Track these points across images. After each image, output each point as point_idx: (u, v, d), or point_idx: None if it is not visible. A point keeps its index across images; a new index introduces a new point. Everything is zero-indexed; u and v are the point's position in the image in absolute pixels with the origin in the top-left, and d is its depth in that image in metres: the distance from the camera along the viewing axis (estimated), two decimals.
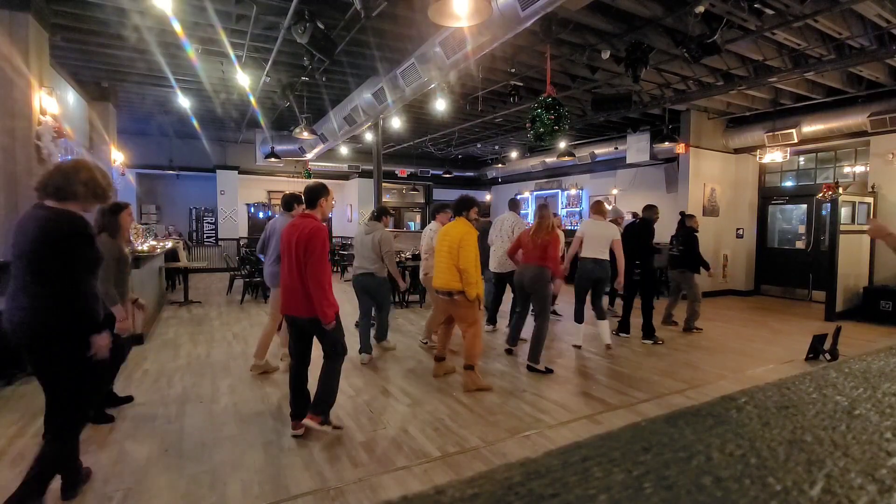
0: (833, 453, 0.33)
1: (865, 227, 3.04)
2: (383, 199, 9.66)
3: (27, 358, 2.21)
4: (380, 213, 5.18)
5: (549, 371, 4.48)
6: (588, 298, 5.33)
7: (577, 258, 5.39)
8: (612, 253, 5.21)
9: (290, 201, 4.55)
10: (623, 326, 5.86)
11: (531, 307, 4.87)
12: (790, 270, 9.23)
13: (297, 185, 14.85)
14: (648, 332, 5.62)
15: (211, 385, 4.08)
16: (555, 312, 7.00)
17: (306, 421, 3.06)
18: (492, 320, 6.24)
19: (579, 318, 5.35)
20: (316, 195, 3.20)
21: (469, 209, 4.12)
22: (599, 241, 5.16)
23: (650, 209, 5.90)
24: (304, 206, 3.43)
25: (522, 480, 0.30)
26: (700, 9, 4.67)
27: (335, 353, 3.17)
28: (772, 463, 0.32)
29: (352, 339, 5.46)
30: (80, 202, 2.26)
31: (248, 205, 14.37)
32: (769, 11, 4.86)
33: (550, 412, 3.56)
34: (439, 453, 2.91)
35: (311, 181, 3.47)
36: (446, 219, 5.14)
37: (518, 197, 8.40)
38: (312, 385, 3.19)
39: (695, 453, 0.34)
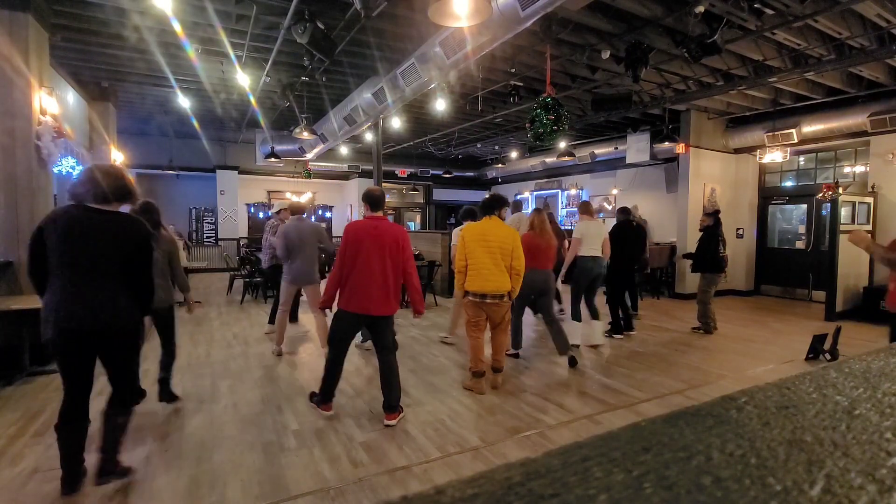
0: (833, 453, 0.33)
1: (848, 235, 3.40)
2: None
3: (105, 346, 2.38)
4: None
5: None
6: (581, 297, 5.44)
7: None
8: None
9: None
10: (628, 325, 6.02)
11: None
12: (790, 270, 9.22)
13: (298, 185, 14.89)
14: (624, 325, 5.96)
15: (211, 385, 4.08)
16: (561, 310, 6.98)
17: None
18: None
19: (577, 316, 5.36)
20: None
21: (503, 207, 4.15)
22: (595, 239, 5.30)
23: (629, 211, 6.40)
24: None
25: (522, 480, 0.30)
26: (700, 9, 4.67)
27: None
28: (772, 463, 0.32)
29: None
30: (128, 203, 2.55)
31: (248, 205, 14.38)
32: (769, 11, 4.85)
33: (550, 412, 3.56)
34: (439, 453, 2.92)
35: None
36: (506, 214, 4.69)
37: (518, 197, 8.46)
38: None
39: (695, 453, 0.34)
